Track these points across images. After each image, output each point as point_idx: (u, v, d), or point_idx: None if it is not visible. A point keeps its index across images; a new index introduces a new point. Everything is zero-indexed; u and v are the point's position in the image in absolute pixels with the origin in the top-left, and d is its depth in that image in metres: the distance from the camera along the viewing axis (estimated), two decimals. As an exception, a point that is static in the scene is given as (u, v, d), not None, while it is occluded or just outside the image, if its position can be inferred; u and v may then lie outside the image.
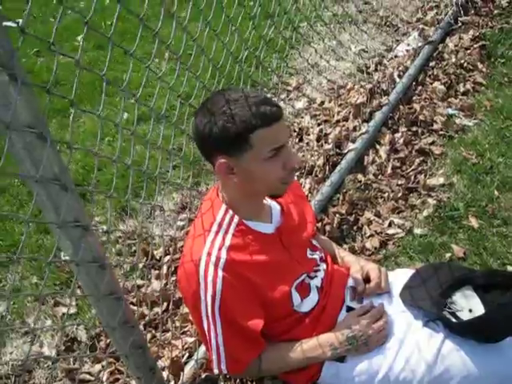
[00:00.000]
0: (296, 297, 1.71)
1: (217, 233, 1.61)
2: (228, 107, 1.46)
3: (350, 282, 1.89)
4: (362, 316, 1.71)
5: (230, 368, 1.67)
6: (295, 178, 2.46)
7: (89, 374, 2.16)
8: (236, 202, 1.65)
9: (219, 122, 1.46)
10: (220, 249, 1.57)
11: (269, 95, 3.58)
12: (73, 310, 2.42)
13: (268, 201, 1.78)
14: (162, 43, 1.46)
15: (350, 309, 1.81)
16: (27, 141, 1.03)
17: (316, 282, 1.80)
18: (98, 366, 2.17)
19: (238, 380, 2.01)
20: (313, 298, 1.77)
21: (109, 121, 1.37)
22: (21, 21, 0.96)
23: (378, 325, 1.68)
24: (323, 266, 1.88)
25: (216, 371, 1.67)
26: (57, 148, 1.11)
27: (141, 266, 2.49)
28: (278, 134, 1.48)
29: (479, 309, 1.69)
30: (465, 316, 1.69)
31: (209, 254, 1.56)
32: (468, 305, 1.72)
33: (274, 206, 1.80)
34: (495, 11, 4.32)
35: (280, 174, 1.52)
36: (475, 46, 3.92)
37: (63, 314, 2.41)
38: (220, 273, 1.54)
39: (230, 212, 1.64)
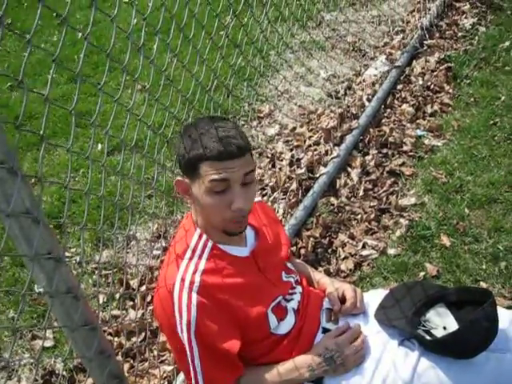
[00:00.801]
0: (273, 319, 1.72)
1: (190, 259, 1.62)
2: (194, 133, 1.54)
3: (326, 304, 1.90)
4: (338, 337, 1.72)
5: None
6: (265, 201, 2.48)
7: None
8: (209, 227, 1.66)
9: (182, 146, 1.56)
10: (194, 273, 1.58)
11: (241, 122, 3.62)
12: (50, 343, 2.41)
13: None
14: (131, 76, 1.49)
15: (325, 330, 1.81)
16: (-2, 176, 1.04)
17: (293, 305, 1.81)
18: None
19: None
20: (289, 320, 1.77)
21: (79, 154, 1.38)
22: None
23: (354, 345, 1.69)
24: (299, 288, 1.89)
25: None
26: (28, 182, 1.12)
27: (117, 296, 2.48)
28: (225, 170, 1.49)
29: (453, 325, 1.71)
30: (439, 333, 1.71)
31: (182, 280, 1.56)
32: (442, 322, 1.74)
33: (248, 229, 1.81)
34: (459, 34, 4.44)
35: (224, 213, 1.53)
36: (441, 67, 4.01)
37: (42, 348, 2.39)
38: (194, 297, 1.54)
39: (204, 236, 1.65)
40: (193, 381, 1.64)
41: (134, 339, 2.22)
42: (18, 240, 1.15)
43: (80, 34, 5.04)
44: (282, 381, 1.70)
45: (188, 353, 1.59)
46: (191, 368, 1.62)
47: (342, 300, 1.88)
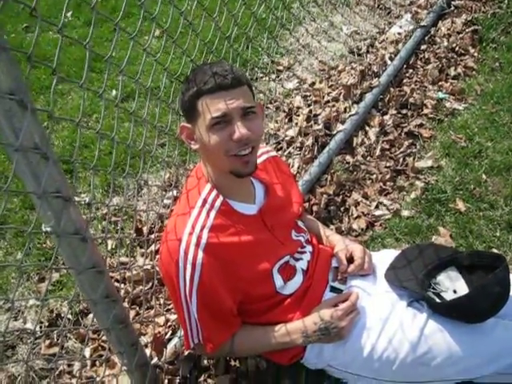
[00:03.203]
0: (278, 279, 1.71)
1: (201, 209, 1.60)
2: (192, 75, 1.54)
3: (334, 263, 1.88)
4: (335, 308, 1.68)
5: (202, 347, 1.69)
6: (280, 156, 2.44)
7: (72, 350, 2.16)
8: (219, 181, 1.64)
9: (181, 90, 1.56)
10: (202, 228, 1.56)
11: (260, 74, 3.56)
12: (56, 286, 2.41)
13: (252, 181, 1.76)
14: (148, 21, 1.44)
15: (334, 289, 1.80)
16: (6, 108, 1.01)
17: (302, 265, 1.80)
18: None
19: (221, 358, 2.01)
20: (297, 280, 1.77)
21: (91, 91, 1.34)
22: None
23: (349, 317, 1.66)
24: (309, 248, 1.87)
25: (191, 345, 1.68)
26: (38, 117, 1.08)
27: (127, 242, 2.48)
28: (221, 102, 1.47)
29: (463, 289, 1.70)
30: (449, 296, 1.69)
31: (191, 233, 1.55)
32: (452, 285, 1.72)
33: (259, 186, 1.78)
34: (488, -4, 4.31)
35: (225, 145, 1.50)
36: (467, 30, 3.91)
37: (48, 290, 2.40)
38: (200, 254, 1.53)
39: (215, 191, 1.63)
40: (189, 333, 1.65)
41: (140, 287, 2.21)
42: (26, 176, 1.12)
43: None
44: (275, 343, 1.70)
45: (184, 305, 1.60)
46: (187, 320, 1.63)
47: (350, 259, 1.86)
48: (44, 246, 2.58)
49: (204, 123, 1.49)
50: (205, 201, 1.62)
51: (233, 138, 1.48)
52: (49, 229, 1.22)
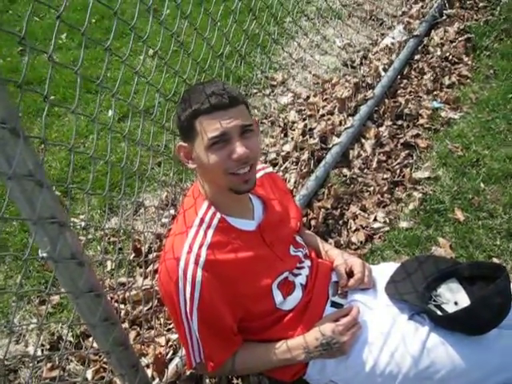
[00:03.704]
0: (278, 295, 1.70)
1: (199, 228, 1.60)
2: (187, 95, 1.54)
3: (334, 277, 1.88)
4: (337, 323, 1.67)
5: (204, 367, 1.68)
6: (276, 171, 2.44)
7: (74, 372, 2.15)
8: (217, 198, 1.64)
9: (178, 109, 1.56)
10: (201, 246, 1.56)
11: (254, 90, 3.57)
12: (57, 308, 2.40)
13: (250, 197, 1.76)
14: (138, 37, 1.44)
15: (334, 303, 1.80)
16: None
17: (300, 280, 1.80)
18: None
19: (223, 377, 2.00)
20: (296, 295, 1.76)
21: (85, 117, 1.34)
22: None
23: (351, 332, 1.66)
24: (307, 262, 1.87)
25: (193, 365, 1.67)
26: (31, 144, 1.08)
27: (125, 263, 2.47)
28: (219, 122, 1.47)
29: (465, 301, 1.69)
30: (450, 308, 1.68)
31: (189, 251, 1.55)
32: (453, 297, 1.72)
33: (256, 202, 1.79)
34: (480, 4, 4.34)
35: (225, 164, 1.50)
36: (460, 38, 3.93)
37: (49, 312, 2.39)
38: (199, 272, 1.53)
39: (212, 208, 1.63)
40: (190, 352, 1.64)
41: (140, 307, 2.20)
42: (21, 203, 1.11)
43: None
44: (277, 360, 1.69)
45: (186, 325, 1.59)
46: (188, 340, 1.63)
47: (350, 274, 1.86)
48: (43, 267, 2.58)
49: (202, 143, 1.49)
50: (202, 220, 1.61)
51: (232, 157, 1.49)
52: (45, 254, 1.21)
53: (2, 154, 1.03)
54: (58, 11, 1.07)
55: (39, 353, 2.22)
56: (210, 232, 1.59)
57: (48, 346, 2.26)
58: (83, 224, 1.81)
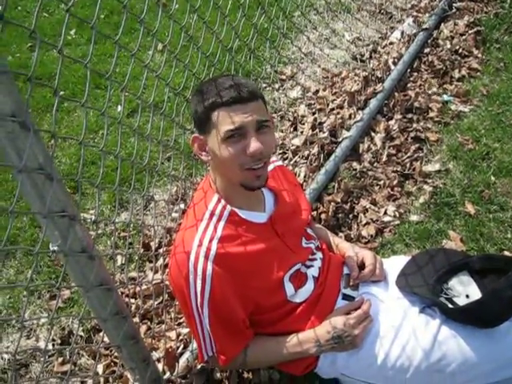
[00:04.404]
0: (289, 287, 1.70)
1: (209, 221, 1.60)
2: (206, 86, 1.53)
3: (346, 270, 1.87)
4: (348, 316, 1.67)
5: (216, 360, 1.68)
6: (286, 165, 2.44)
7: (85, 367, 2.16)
8: (227, 191, 1.63)
9: (194, 101, 1.55)
10: (211, 240, 1.56)
11: (263, 85, 3.56)
12: (67, 303, 2.41)
13: (262, 189, 1.76)
14: (148, 32, 1.44)
15: (346, 296, 1.79)
16: (9, 130, 1.01)
17: (313, 272, 1.79)
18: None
19: (234, 371, 2.00)
20: (308, 287, 1.76)
21: (94, 110, 1.34)
22: (0, 7, 0.94)
23: (363, 325, 1.65)
24: (319, 254, 1.87)
25: (205, 358, 1.67)
26: (41, 138, 1.09)
27: (136, 257, 2.48)
28: (237, 115, 1.47)
29: (476, 294, 1.68)
30: (461, 301, 1.68)
31: (199, 245, 1.55)
32: (465, 290, 1.71)
33: (268, 194, 1.78)
34: (490, -4, 4.31)
35: (239, 159, 1.50)
36: (470, 31, 3.90)
37: (59, 307, 2.40)
38: (210, 265, 1.53)
39: (222, 201, 1.63)
40: (202, 346, 1.64)
41: (151, 301, 2.21)
42: (32, 197, 1.12)
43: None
44: (288, 353, 1.69)
45: (197, 319, 1.59)
46: (200, 333, 1.63)
47: (362, 266, 1.86)
48: (54, 262, 2.59)
49: (218, 135, 1.49)
50: (212, 213, 1.61)
51: (247, 152, 1.48)
52: (56, 248, 1.22)
53: (12, 147, 1.03)
54: (67, 5, 1.07)
55: (50, 347, 2.22)
56: (221, 225, 1.59)
57: (59, 341, 2.27)
58: (93, 218, 1.80)
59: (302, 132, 3.09)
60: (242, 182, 1.56)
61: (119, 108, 3.63)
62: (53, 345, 2.25)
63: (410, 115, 3.25)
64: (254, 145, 1.47)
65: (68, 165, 3.24)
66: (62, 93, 3.91)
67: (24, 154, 1.03)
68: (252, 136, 1.48)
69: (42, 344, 2.26)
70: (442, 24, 4.08)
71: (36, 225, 2.82)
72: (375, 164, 2.93)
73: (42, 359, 2.20)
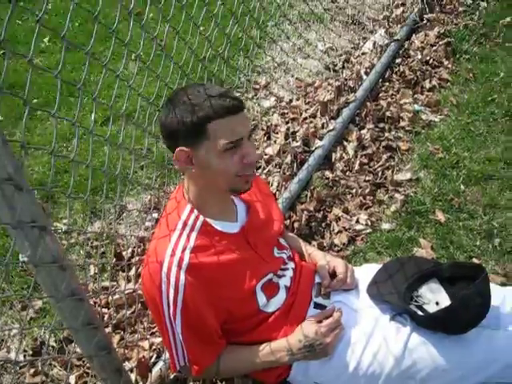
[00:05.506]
0: (261, 297, 1.71)
1: (182, 231, 1.60)
2: (187, 98, 1.48)
3: (317, 278, 1.89)
4: (319, 324, 1.67)
5: (188, 370, 1.68)
6: (259, 174, 2.45)
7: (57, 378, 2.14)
8: (200, 201, 1.63)
9: (179, 113, 1.48)
10: (184, 250, 1.56)
11: (237, 94, 3.58)
12: (40, 313, 2.39)
13: (233, 199, 1.77)
14: (121, 41, 1.45)
15: (317, 305, 1.80)
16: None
17: (285, 282, 1.80)
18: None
19: (207, 380, 2.00)
20: (280, 297, 1.76)
21: (65, 120, 1.34)
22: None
23: (334, 333, 1.66)
24: (291, 264, 1.87)
25: (177, 368, 1.67)
26: (11, 148, 1.08)
27: (108, 267, 2.46)
28: (235, 126, 1.47)
29: (445, 301, 1.70)
30: (432, 309, 1.70)
31: (172, 255, 1.54)
32: (434, 297, 1.73)
33: (240, 204, 1.79)
34: (460, 8, 4.39)
35: (236, 168, 1.51)
36: (440, 42, 3.97)
37: (31, 318, 2.37)
38: (182, 275, 1.53)
39: (195, 212, 1.62)
40: (174, 356, 1.64)
41: (124, 311, 2.20)
42: (1, 207, 1.11)
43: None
44: (261, 362, 1.69)
45: (169, 328, 1.59)
46: (172, 343, 1.62)
47: (333, 275, 1.87)
48: (26, 272, 2.56)
49: (215, 147, 1.47)
50: (185, 223, 1.61)
51: (246, 161, 1.50)
52: (26, 259, 1.21)
53: (-19, 158, 1.03)
54: (37, 16, 1.07)
55: (21, 358, 2.20)
56: (193, 235, 1.59)
57: (31, 352, 2.24)
58: (64, 228, 1.80)
59: (275, 141, 3.11)
60: (232, 187, 1.58)
61: (92, 116, 3.61)
62: (24, 356, 2.22)
63: (381, 125, 3.28)
64: (255, 154, 1.51)
65: (41, 173, 3.21)
66: (35, 101, 3.88)
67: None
68: (248, 145, 1.50)
69: (13, 355, 2.23)
70: (414, 35, 4.14)
71: (8, 234, 2.79)
72: (347, 173, 2.95)
73: (13, 370, 2.18)
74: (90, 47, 1.25)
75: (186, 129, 1.48)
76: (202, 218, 1.62)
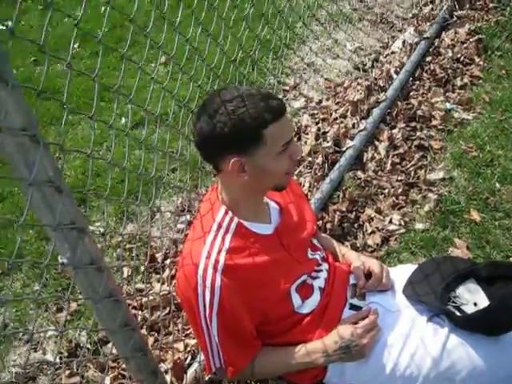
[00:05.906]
0: (296, 298, 1.70)
1: (216, 233, 1.60)
2: (237, 106, 1.43)
3: (352, 279, 1.87)
4: (355, 325, 1.66)
5: (223, 371, 1.68)
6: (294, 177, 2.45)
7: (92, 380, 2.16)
8: (236, 203, 1.63)
9: (229, 122, 1.42)
10: (219, 252, 1.56)
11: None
12: (75, 316, 2.41)
13: (267, 201, 1.77)
14: (155, 49, 1.45)
15: (353, 306, 1.79)
16: (20, 144, 1.02)
17: (319, 283, 1.79)
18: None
19: (242, 382, 2.00)
20: (314, 298, 1.75)
21: (101, 122, 1.35)
22: (10, 23, 0.95)
23: (370, 334, 1.64)
24: (325, 265, 1.86)
25: (213, 370, 1.67)
26: (50, 151, 1.09)
27: (142, 269, 2.48)
28: (286, 127, 1.50)
29: (484, 302, 1.68)
30: (469, 309, 1.67)
31: (208, 257, 1.54)
32: (472, 298, 1.71)
33: (273, 205, 1.79)
34: (490, 4, 4.31)
35: (288, 166, 1.55)
36: (471, 39, 3.91)
37: (66, 320, 2.40)
38: (218, 277, 1.53)
39: (230, 213, 1.62)
40: (210, 357, 1.64)
41: (158, 313, 2.21)
42: (41, 210, 1.12)
43: (103, 8, 5.02)
44: (296, 363, 1.69)
45: (205, 330, 1.59)
46: (208, 345, 1.62)
47: (368, 275, 1.85)
48: (60, 275, 2.59)
49: (272, 151, 1.48)
50: (219, 225, 1.61)
51: (294, 157, 1.54)
52: (65, 260, 1.22)
53: (23, 160, 1.04)
54: (75, 20, 1.08)
55: (57, 360, 2.23)
56: (228, 237, 1.59)
57: (66, 354, 2.27)
58: (101, 230, 1.81)
59: (305, 142, 3.10)
60: (276, 185, 1.62)
61: (123, 120, 3.64)
62: (60, 357, 2.25)
63: (413, 124, 3.25)
64: (300, 150, 1.56)
65: (73, 177, 3.25)
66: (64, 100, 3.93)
67: (34, 167, 1.03)
68: (294, 142, 1.54)
69: (49, 357, 2.26)
70: (443, 32, 4.09)
71: (42, 237, 2.83)
72: (379, 173, 2.93)
73: (49, 372, 2.21)
74: (125, 49, 1.26)
75: (242, 138, 1.45)
76: (236, 219, 1.62)
